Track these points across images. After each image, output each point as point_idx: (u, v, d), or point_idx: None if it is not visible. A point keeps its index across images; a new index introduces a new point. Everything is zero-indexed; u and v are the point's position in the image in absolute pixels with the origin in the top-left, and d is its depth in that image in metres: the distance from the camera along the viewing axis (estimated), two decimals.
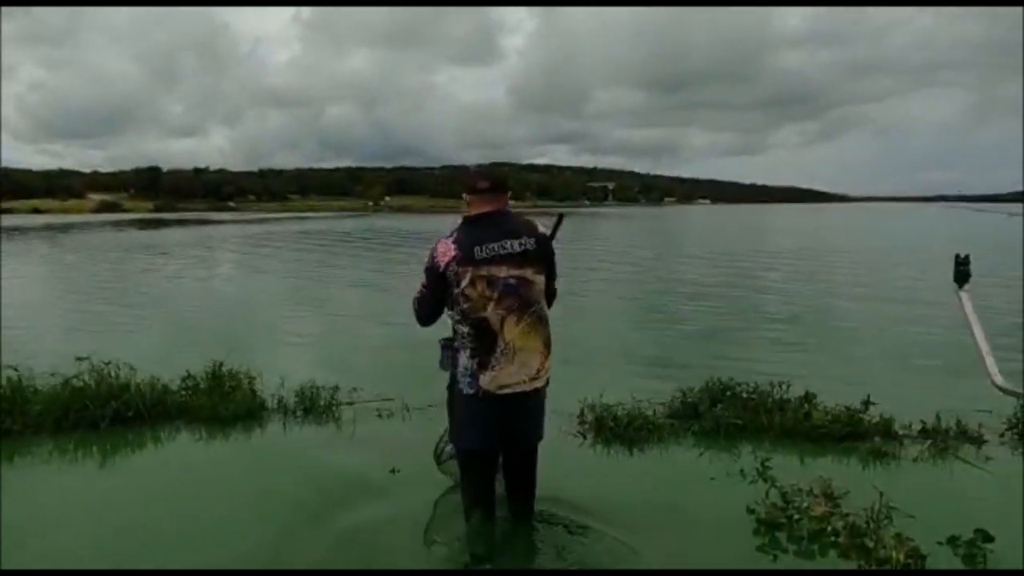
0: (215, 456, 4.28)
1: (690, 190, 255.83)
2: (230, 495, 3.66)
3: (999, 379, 2.26)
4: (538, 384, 2.78)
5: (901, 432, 4.30)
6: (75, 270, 17.89)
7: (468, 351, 2.72)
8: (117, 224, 54.28)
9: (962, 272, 2.21)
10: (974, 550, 2.87)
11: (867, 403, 4.40)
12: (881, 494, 3.17)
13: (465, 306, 2.69)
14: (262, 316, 10.29)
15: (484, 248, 2.68)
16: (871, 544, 2.89)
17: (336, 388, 5.08)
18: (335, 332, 9.04)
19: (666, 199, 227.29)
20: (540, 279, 2.77)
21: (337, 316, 10.34)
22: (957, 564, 2.84)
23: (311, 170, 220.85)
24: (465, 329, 2.72)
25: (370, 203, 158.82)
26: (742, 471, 3.77)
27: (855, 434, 4.23)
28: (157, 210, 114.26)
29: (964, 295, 2.22)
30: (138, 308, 10.92)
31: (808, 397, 4.49)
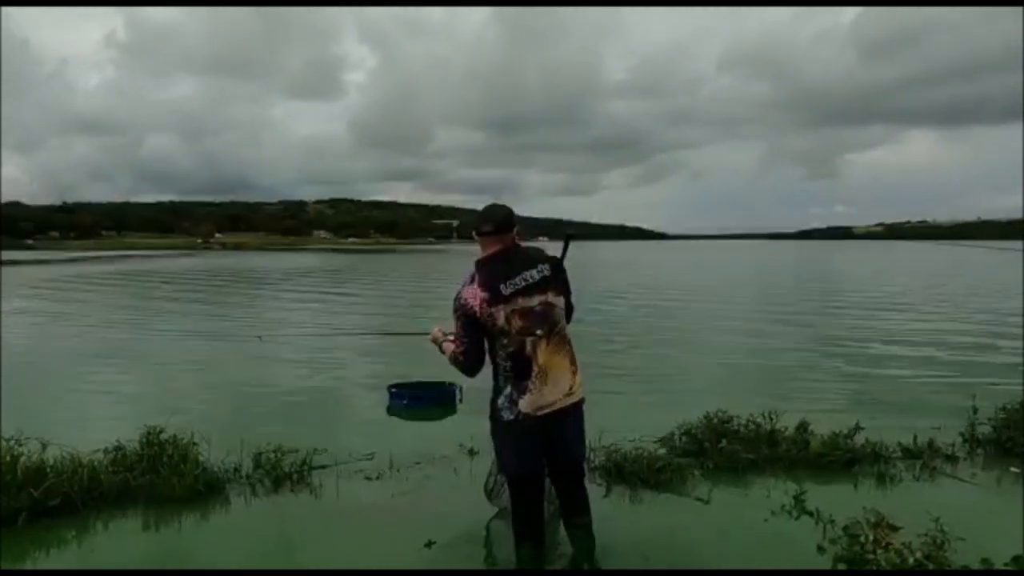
0: (178, 552, 3.44)
1: (530, 228, 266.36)
2: None
3: None
4: (572, 400, 2.89)
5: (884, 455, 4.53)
6: None
7: (507, 381, 2.85)
8: None
9: None
10: None
11: (856, 428, 4.59)
12: (937, 519, 3.26)
13: (504, 340, 2.82)
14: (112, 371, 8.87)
15: (508, 284, 2.81)
16: (963, 571, 2.93)
17: (297, 451, 4.41)
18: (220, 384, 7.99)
19: None
20: (560, 300, 2.93)
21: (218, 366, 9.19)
22: None
23: (128, 204, 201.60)
24: (506, 363, 2.85)
25: (199, 240, 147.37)
26: (783, 507, 3.76)
27: (853, 460, 4.38)
28: None
29: None
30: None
31: (804, 426, 4.61)
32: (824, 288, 23.42)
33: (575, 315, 3.10)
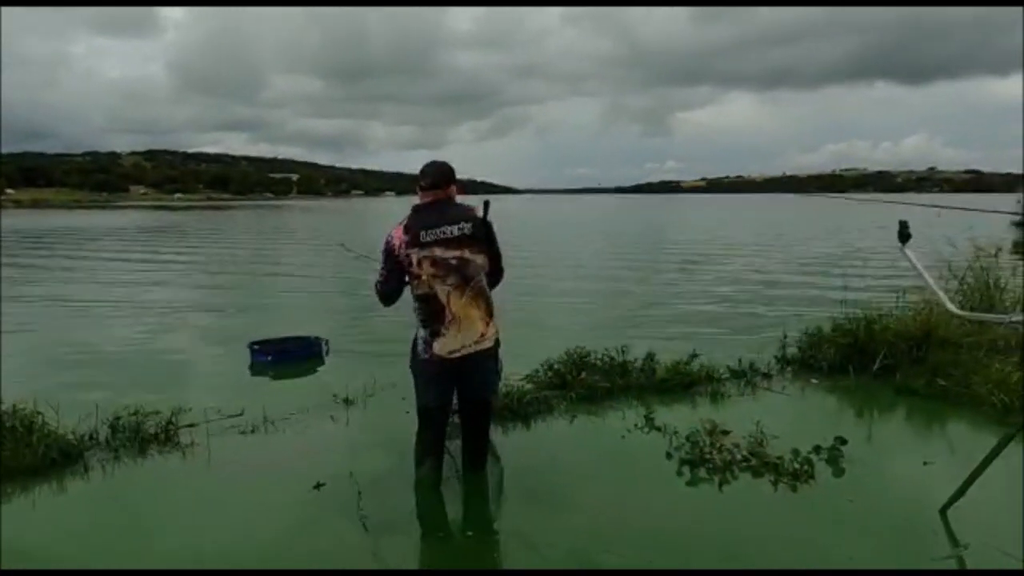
0: (36, 524, 3.23)
1: (376, 183, 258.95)
2: None
3: (955, 309, 3.03)
4: (483, 346, 3.22)
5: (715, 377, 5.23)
6: None
7: (422, 323, 3.19)
8: None
9: (904, 234, 2.91)
10: (835, 452, 3.71)
11: (693, 356, 5.23)
12: (758, 423, 3.91)
13: (415, 283, 3.15)
14: None
15: (428, 233, 3.13)
16: (777, 461, 3.55)
17: (158, 412, 4.23)
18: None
19: (353, 192, 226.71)
20: (478, 258, 3.20)
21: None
22: (826, 466, 3.63)
23: None
24: (417, 304, 3.19)
25: None
26: (636, 425, 4.26)
27: (691, 383, 5.01)
28: None
29: (908, 251, 2.91)
30: None
31: (650, 356, 5.17)
32: (661, 239, 25.40)
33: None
